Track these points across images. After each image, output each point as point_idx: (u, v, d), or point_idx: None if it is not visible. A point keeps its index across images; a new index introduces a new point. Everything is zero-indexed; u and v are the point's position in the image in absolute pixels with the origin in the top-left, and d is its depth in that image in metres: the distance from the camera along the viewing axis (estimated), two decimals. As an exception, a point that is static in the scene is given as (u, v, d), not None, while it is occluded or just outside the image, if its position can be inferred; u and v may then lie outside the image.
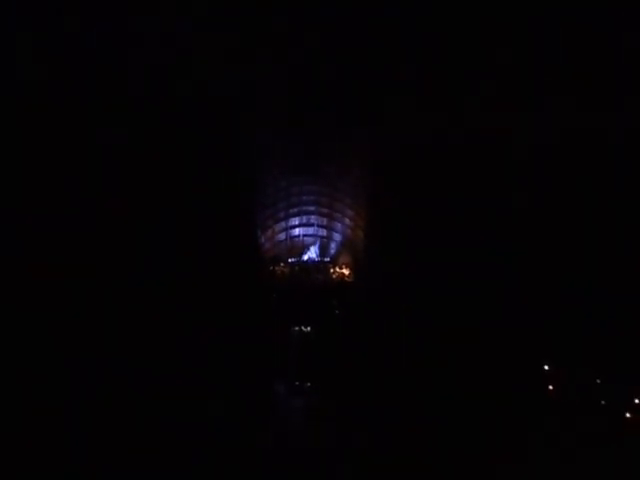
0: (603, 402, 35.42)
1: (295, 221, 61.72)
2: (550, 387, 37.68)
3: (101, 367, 33.67)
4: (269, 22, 40.57)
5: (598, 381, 36.97)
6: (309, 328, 47.57)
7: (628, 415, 34.53)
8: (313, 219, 61.89)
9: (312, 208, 61.14)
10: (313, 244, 62.11)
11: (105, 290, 37.72)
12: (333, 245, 62.01)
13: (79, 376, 32.59)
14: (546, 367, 39.00)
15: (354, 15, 40.32)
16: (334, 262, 61.88)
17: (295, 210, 60.86)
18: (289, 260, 61.67)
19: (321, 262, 61.87)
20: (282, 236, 61.64)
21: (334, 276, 60.68)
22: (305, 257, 62.20)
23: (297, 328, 47.62)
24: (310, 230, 62.42)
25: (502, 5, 38.46)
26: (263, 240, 58.65)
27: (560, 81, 40.70)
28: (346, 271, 60.87)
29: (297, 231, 62.30)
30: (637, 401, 35.08)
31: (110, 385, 32.71)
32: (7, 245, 35.57)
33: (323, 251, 62.19)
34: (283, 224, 61.36)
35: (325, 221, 61.85)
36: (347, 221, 60.58)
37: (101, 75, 39.67)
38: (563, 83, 40.49)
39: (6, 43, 36.97)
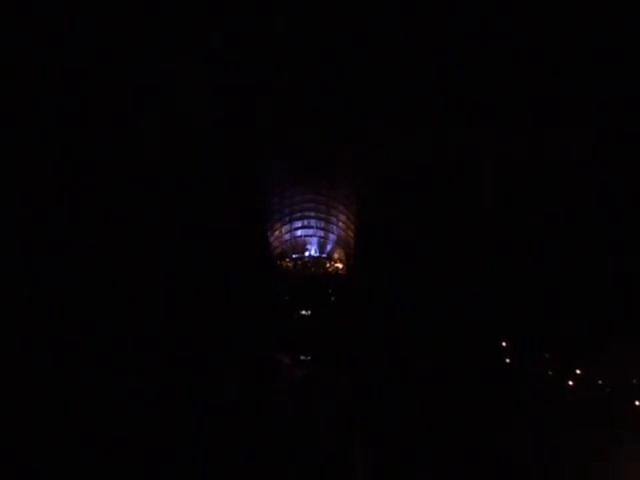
0: (550, 372, 35.95)
1: (298, 224, 62.11)
2: (507, 360, 38.32)
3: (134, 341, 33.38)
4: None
5: (546, 355, 37.51)
6: (309, 311, 48.27)
7: (570, 383, 35.07)
8: (312, 222, 62.27)
9: (312, 214, 61.50)
10: (312, 243, 62.67)
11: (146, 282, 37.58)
12: (329, 244, 62.49)
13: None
14: (504, 344, 39.57)
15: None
16: (330, 257, 62.31)
17: (298, 215, 61.26)
18: (293, 256, 62.15)
19: (319, 257, 62.36)
20: (287, 236, 62.11)
21: (330, 269, 61.16)
22: (306, 253, 62.67)
23: (299, 311, 48.41)
24: (310, 231, 62.80)
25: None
26: (272, 239, 59.16)
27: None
28: (339, 265, 61.32)
29: (299, 232, 62.71)
30: (578, 372, 35.61)
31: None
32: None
33: (321, 248, 62.65)
34: (288, 226, 61.81)
35: (322, 224, 62.20)
36: (340, 224, 61.03)
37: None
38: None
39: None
